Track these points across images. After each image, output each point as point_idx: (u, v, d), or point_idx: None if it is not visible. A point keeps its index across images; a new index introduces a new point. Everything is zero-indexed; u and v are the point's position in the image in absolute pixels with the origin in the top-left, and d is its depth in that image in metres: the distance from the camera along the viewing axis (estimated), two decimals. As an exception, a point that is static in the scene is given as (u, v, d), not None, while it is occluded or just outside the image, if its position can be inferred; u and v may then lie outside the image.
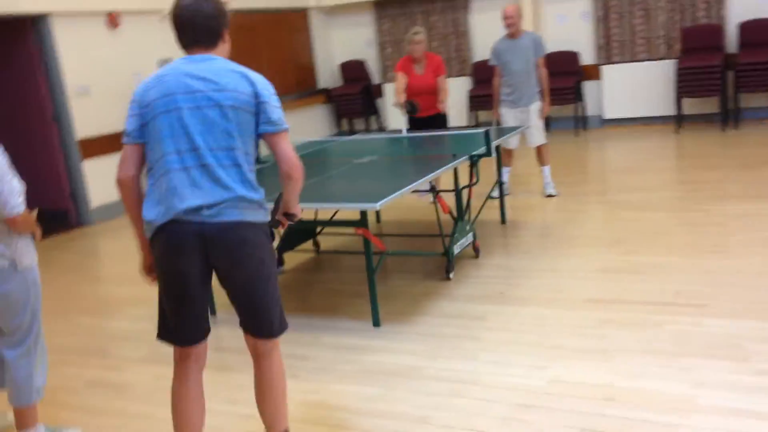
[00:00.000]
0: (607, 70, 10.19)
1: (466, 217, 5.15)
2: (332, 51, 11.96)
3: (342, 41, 11.90)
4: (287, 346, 3.96)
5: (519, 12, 6.51)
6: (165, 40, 8.63)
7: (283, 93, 10.49)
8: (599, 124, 10.44)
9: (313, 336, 4.18)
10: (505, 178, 6.96)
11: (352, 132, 11.86)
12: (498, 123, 6.89)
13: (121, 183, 2.63)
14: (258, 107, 2.58)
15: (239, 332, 2.79)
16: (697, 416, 2.93)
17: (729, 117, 9.29)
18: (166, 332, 2.71)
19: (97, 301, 5.44)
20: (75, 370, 4.09)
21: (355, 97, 11.39)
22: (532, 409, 3.15)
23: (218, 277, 2.65)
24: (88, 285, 5.89)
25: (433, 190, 4.81)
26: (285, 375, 2.85)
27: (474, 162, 4.97)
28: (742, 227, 5.28)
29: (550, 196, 6.76)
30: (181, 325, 2.66)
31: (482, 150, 4.98)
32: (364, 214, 4.08)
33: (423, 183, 4.35)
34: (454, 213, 5.02)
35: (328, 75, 11.86)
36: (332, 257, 5.76)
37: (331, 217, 5.18)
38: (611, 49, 10.28)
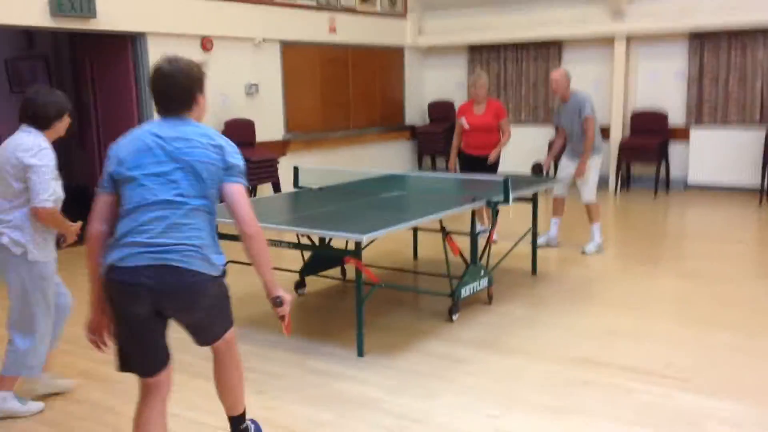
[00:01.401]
0: (695, 133, 9.87)
1: (483, 262, 5.16)
2: (423, 90, 12.20)
3: (433, 81, 12.12)
4: (269, 364, 4.17)
5: (563, 76, 6.56)
6: (253, 66, 9.23)
7: (367, 125, 11.02)
8: (682, 187, 10.08)
9: (298, 357, 4.31)
10: (554, 228, 6.90)
11: (433, 169, 12.01)
12: (546, 174, 6.87)
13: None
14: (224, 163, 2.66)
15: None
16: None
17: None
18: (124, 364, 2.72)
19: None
20: (70, 359, 4.33)
21: (438, 136, 11.52)
22: (466, 455, 3.16)
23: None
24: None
25: (444, 231, 4.86)
26: (240, 366, 2.96)
27: (494, 208, 5.01)
28: (775, 308, 5.02)
29: (584, 253, 6.63)
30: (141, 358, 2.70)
31: (500, 198, 5.00)
32: (358, 244, 4.21)
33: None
34: (468, 257, 5.05)
35: (416, 112, 12.09)
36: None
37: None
38: (702, 112, 9.95)
